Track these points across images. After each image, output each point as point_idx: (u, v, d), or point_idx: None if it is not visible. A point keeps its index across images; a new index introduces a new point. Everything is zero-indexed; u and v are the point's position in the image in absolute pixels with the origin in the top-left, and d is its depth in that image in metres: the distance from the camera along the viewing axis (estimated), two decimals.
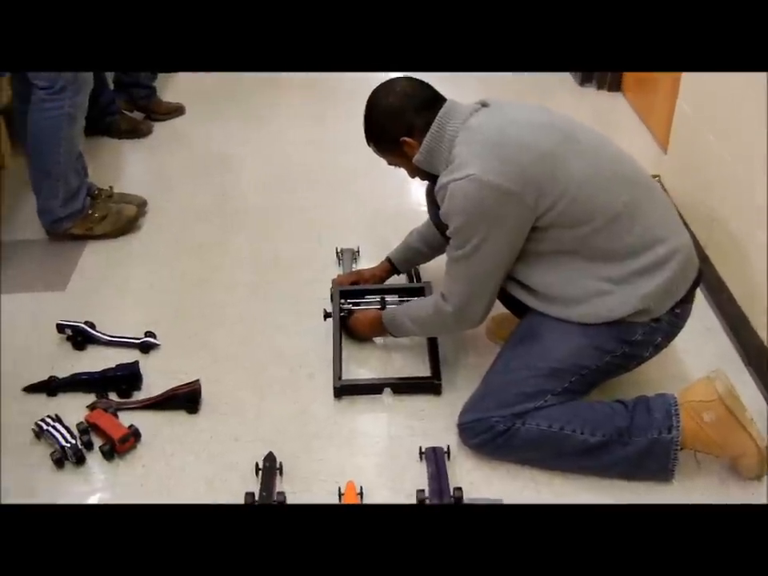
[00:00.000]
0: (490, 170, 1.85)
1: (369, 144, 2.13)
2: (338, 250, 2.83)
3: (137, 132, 3.77)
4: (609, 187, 1.92)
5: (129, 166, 3.58)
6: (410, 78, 2.07)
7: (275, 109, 4.05)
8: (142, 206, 3.11)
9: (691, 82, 2.77)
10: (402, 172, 2.19)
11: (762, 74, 2.19)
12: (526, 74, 4.22)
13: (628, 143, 3.38)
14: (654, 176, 2.96)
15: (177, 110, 3.96)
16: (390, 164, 2.18)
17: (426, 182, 2.23)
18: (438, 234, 2.30)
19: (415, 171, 2.12)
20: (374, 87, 2.09)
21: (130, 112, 3.88)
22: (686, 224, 2.10)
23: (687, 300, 2.00)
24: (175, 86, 4.24)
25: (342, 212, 3.16)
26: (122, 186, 3.25)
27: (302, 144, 3.70)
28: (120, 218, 2.99)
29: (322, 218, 3.11)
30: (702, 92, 2.68)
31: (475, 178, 1.84)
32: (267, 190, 3.34)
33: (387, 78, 2.09)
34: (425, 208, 2.36)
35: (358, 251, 2.83)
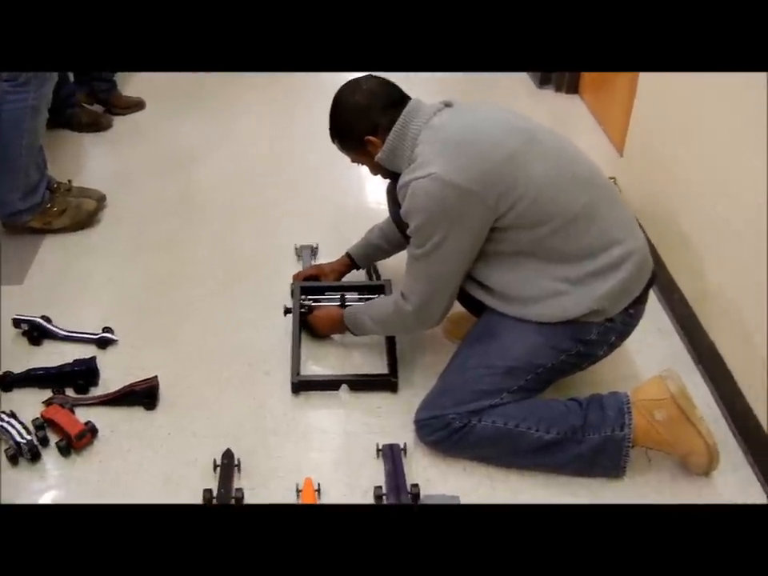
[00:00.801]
0: (452, 169, 1.87)
1: (333, 141, 2.15)
2: (297, 247, 2.84)
3: (97, 125, 3.74)
4: (568, 189, 1.94)
5: (88, 160, 3.56)
6: (377, 77, 2.09)
7: (236, 105, 4.04)
8: (101, 200, 3.09)
9: (648, 85, 2.81)
10: (363, 169, 2.20)
11: (713, 78, 2.23)
12: (485, 75, 4.27)
13: (585, 145, 3.41)
14: (611, 178, 3.00)
15: (137, 105, 3.94)
16: (353, 161, 2.19)
17: (386, 180, 2.25)
18: (398, 232, 2.32)
19: (377, 169, 2.14)
20: (340, 85, 2.10)
21: (90, 105, 3.85)
22: (640, 225, 2.13)
23: (641, 301, 2.04)
24: (135, 81, 4.20)
25: (303, 208, 3.16)
26: (81, 179, 3.22)
27: (262, 140, 3.70)
28: (79, 212, 2.98)
29: (282, 215, 3.12)
30: (659, 95, 2.71)
31: (437, 176, 1.86)
32: (228, 186, 3.33)
33: (353, 77, 2.11)
34: (385, 206, 2.37)
35: (317, 247, 2.84)
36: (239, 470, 2.02)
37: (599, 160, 2.18)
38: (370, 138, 2.04)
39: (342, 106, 2.08)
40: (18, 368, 2.30)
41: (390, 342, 2.35)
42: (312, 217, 3.11)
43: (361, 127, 2.05)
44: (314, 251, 2.83)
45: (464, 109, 2.04)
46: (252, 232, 3.01)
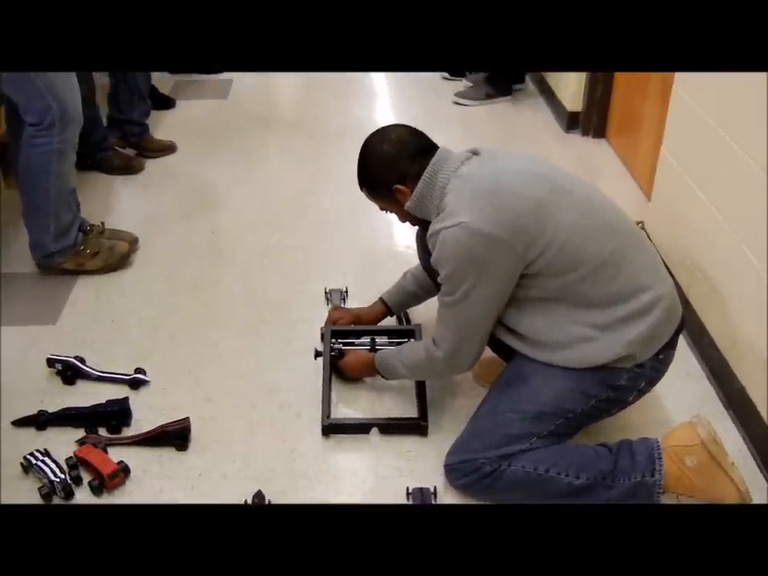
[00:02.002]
0: (480, 218, 1.89)
1: (361, 189, 2.18)
2: (327, 290, 2.87)
3: (129, 168, 3.81)
4: (596, 237, 1.96)
5: (120, 202, 3.61)
6: (405, 126, 2.13)
7: (265, 147, 4.11)
8: (133, 242, 3.14)
9: (674, 130, 2.83)
10: (392, 215, 2.23)
11: (745, 126, 2.25)
12: (514, 120, 4.31)
13: (612, 189, 3.43)
14: (638, 222, 3.02)
15: (169, 148, 4.00)
16: (381, 209, 2.22)
17: (415, 226, 2.27)
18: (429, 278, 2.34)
19: (406, 216, 2.16)
20: (365, 129, 2.14)
21: (123, 148, 3.92)
22: (668, 270, 2.14)
23: (670, 346, 2.05)
24: (167, 124, 4.29)
25: (331, 251, 3.20)
26: (113, 221, 3.28)
27: (292, 182, 3.74)
28: (112, 254, 3.02)
29: (311, 257, 3.15)
30: (685, 141, 2.73)
31: (466, 225, 1.89)
32: (257, 228, 3.37)
33: (382, 126, 2.15)
34: (414, 249, 2.40)
35: (346, 291, 2.86)
36: None
37: (626, 204, 2.20)
38: (399, 186, 2.07)
39: (371, 155, 2.11)
40: (52, 407, 2.33)
41: (420, 386, 2.36)
42: (340, 260, 3.14)
43: (390, 176, 2.08)
44: (343, 295, 2.85)
45: (492, 157, 2.06)
46: (280, 275, 3.05)
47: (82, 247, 2.98)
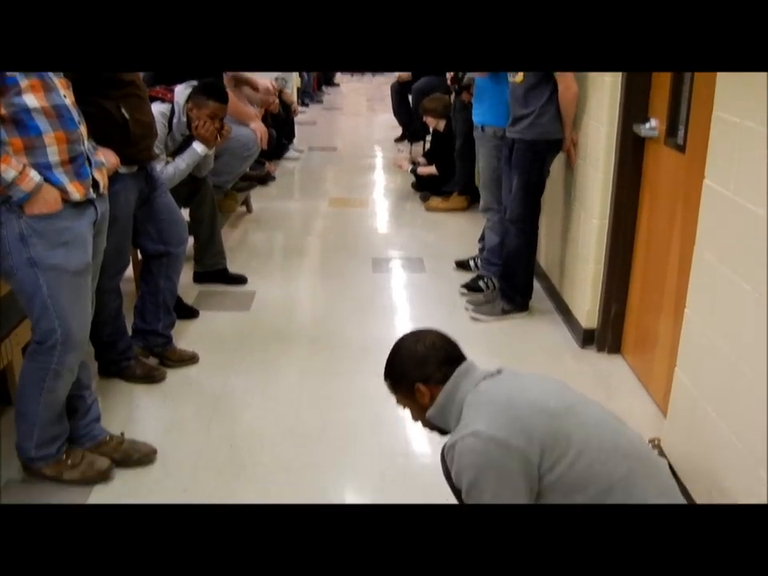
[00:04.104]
0: (494, 426, 1.95)
1: (385, 380, 2.28)
2: None
3: (151, 378, 3.86)
4: (606, 459, 1.98)
5: (141, 412, 3.65)
6: (440, 333, 2.25)
7: (286, 361, 4.16)
8: (151, 454, 3.17)
9: (688, 352, 2.87)
10: (411, 427, 2.27)
11: (759, 353, 2.30)
12: (527, 335, 4.38)
13: (628, 406, 3.46)
14: (654, 439, 3.02)
15: (191, 359, 4.07)
16: (397, 402, 2.30)
17: (434, 436, 2.32)
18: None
19: (419, 416, 2.24)
20: (389, 350, 2.27)
21: (146, 358, 3.99)
22: (685, 490, 2.11)
23: None
24: (190, 334, 4.39)
25: (349, 469, 3.19)
26: (133, 430, 3.32)
27: (311, 397, 3.76)
28: (90, 469, 3.03)
29: (328, 474, 3.14)
30: (699, 363, 2.76)
31: (479, 432, 1.94)
32: (276, 442, 3.37)
33: (418, 328, 2.33)
34: (433, 469, 2.40)
35: None
36: None
37: (642, 421, 2.21)
38: (420, 386, 2.16)
39: (403, 351, 2.24)
40: None
41: None
42: (358, 478, 3.14)
43: (415, 374, 2.18)
44: None
45: (513, 376, 2.15)
46: (297, 492, 3.02)
47: (65, 457, 3.01)
